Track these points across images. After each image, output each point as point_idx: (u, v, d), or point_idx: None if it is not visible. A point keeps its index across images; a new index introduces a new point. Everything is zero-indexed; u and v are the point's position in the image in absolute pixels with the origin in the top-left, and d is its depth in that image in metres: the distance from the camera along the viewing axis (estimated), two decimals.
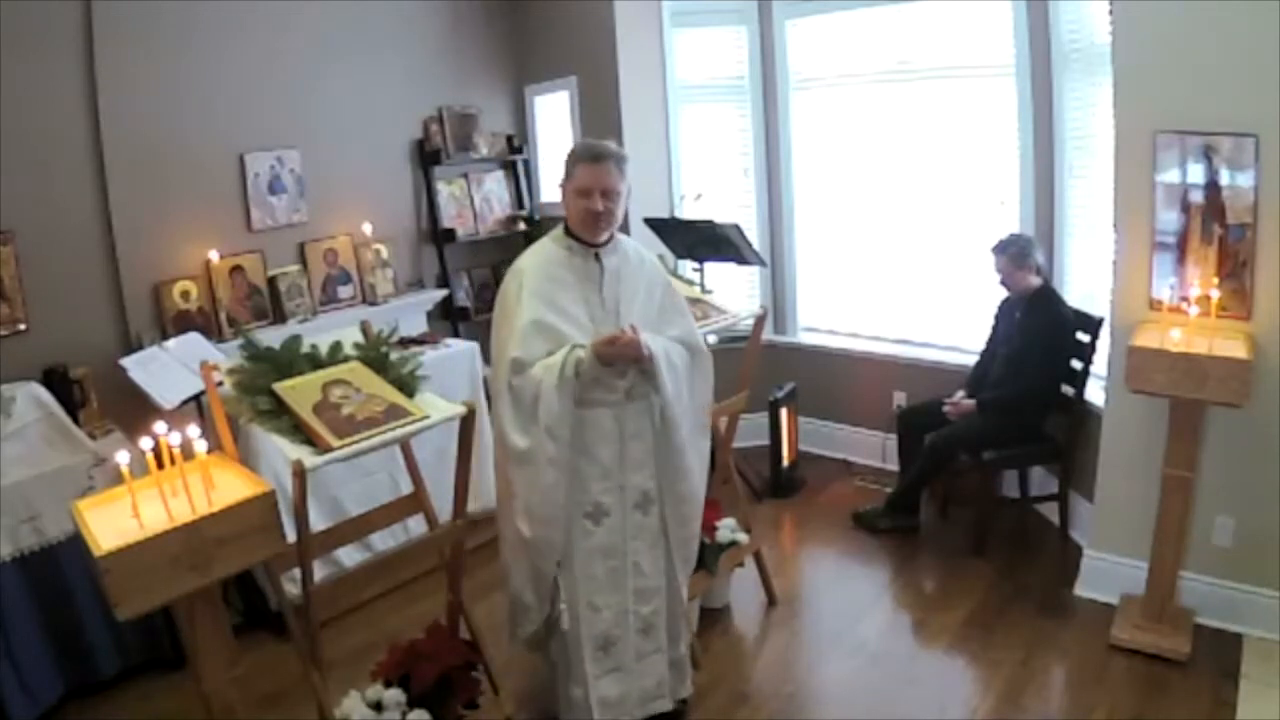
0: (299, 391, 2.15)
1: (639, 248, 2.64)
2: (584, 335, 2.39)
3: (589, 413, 2.38)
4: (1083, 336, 3.50)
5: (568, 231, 2.49)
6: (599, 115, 4.72)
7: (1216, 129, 2.75)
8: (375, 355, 2.36)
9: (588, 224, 2.43)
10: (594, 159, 2.41)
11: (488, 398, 2.92)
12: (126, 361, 3.23)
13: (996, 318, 3.82)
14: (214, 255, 3.88)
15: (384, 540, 3.40)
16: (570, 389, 2.31)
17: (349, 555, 3.38)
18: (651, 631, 2.57)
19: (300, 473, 1.98)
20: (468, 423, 2.29)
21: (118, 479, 1.90)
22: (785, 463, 4.40)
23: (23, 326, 3.34)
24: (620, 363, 2.37)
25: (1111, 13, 2.92)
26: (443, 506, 2.56)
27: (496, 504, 2.56)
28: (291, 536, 2.16)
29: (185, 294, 3.82)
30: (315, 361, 2.28)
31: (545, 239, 2.55)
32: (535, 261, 2.47)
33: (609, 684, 2.51)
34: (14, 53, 3.27)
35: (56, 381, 3.26)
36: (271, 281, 4.10)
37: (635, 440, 2.46)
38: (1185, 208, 2.87)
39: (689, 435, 2.53)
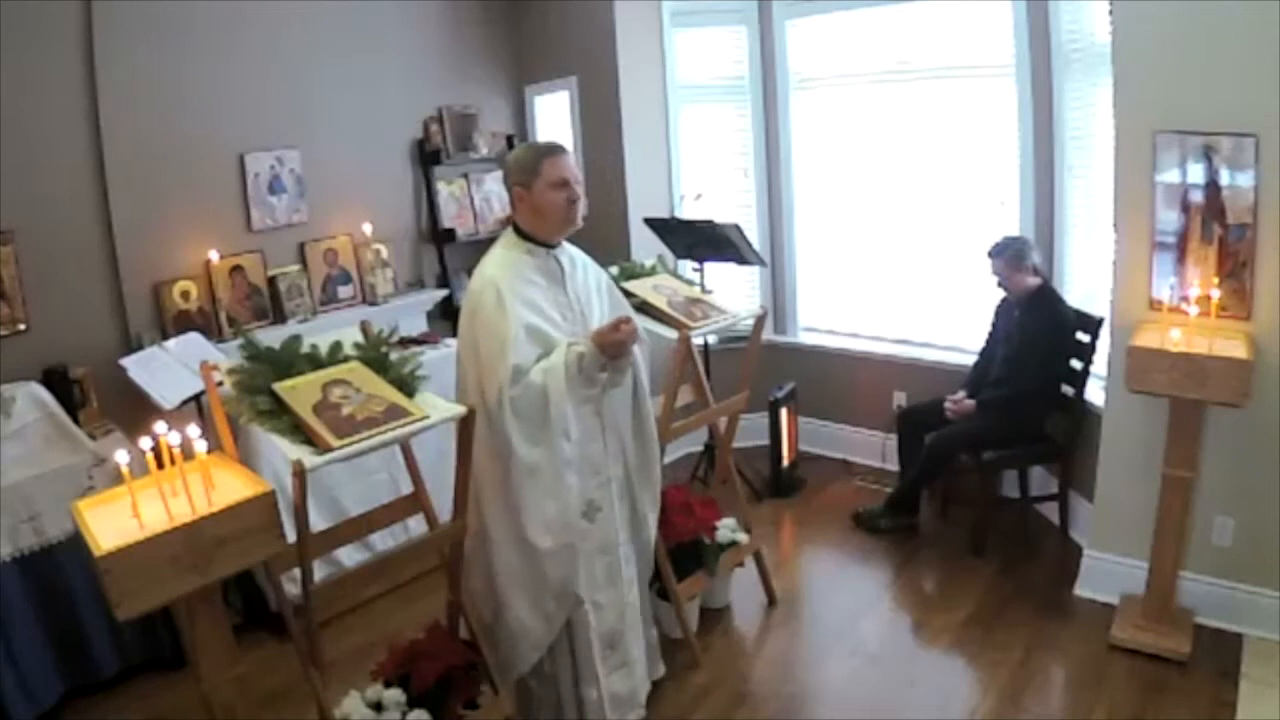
0: (299, 391, 2.15)
1: (575, 248, 2.65)
2: (562, 335, 2.41)
3: (578, 410, 2.40)
4: (1083, 336, 3.50)
5: (522, 235, 2.48)
6: (599, 115, 4.72)
7: (1216, 129, 2.75)
8: (375, 355, 2.35)
9: (570, 215, 2.44)
10: (559, 151, 2.44)
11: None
12: (126, 361, 3.23)
13: (996, 316, 3.82)
14: (214, 255, 3.88)
15: (384, 540, 3.39)
16: (577, 387, 2.34)
17: (349, 555, 3.37)
18: (642, 620, 2.68)
19: (300, 473, 1.98)
20: (467, 423, 2.29)
21: (118, 479, 1.90)
22: (785, 463, 4.40)
23: (23, 326, 3.34)
24: (623, 349, 2.39)
25: (1111, 13, 2.92)
26: (443, 506, 2.55)
27: (477, 540, 2.46)
28: (291, 536, 2.16)
29: (185, 294, 3.81)
30: (315, 361, 2.27)
31: (498, 248, 2.50)
32: (504, 268, 2.42)
33: (618, 680, 2.56)
34: (14, 52, 3.27)
35: (56, 381, 3.26)
36: (271, 281, 4.10)
37: (612, 432, 2.53)
38: (1185, 208, 2.86)
39: (652, 421, 2.66)
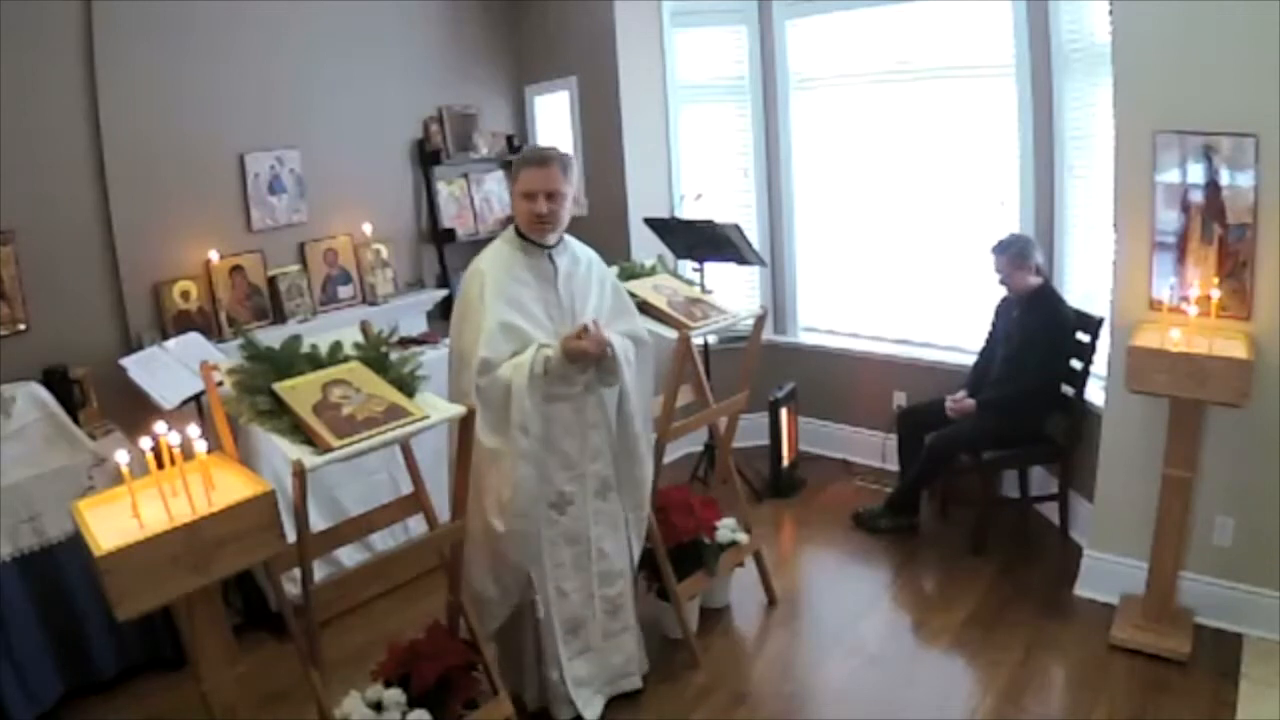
0: (299, 391, 2.15)
1: (584, 247, 2.74)
2: (544, 334, 2.49)
3: (551, 406, 2.49)
4: (1083, 336, 3.50)
5: (520, 234, 2.58)
6: (599, 115, 4.72)
7: (1216, 129, 2.75)
8: (375, 355, 2.35)
9: (533, 226, 2.52)
10: (539, 162, 2.49)
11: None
12: (126, 361, 3.23)
13: (995, 316, 3.82)
14: (214, 255, 3.88)
15: (384, 540, 3.39)
16: (539, 386, 2.43)
17: (349, 555, 3.37)
18: (619, 612, 2.74)
19: (300, 473, 1.98)
20: (467, 423, 2.29)
21: (118, 479, 1.89)
22: (785, 463, 4.40)
23: (23, 326, 3.34)
24: (586, 358, 2.48)
25: (1111, 13, 2.92)
26: (442, 506, 2.56)
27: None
28: (291, 536, 2.16)
29: (185, 294, 3.81)
30: (315, 361, 2.27)
31: (497, 241, 2.62)
32: (494, 263, 2.54)
33: (580, 664, 2.67)
34: (14, 52, 3.26)
35: (56, 381, 3.26)
36: (271, 281, 4.10)
37: (594, 430, 2.60)
38: (1185, 208, 2.86)
39: (642, 424, 2.69)
